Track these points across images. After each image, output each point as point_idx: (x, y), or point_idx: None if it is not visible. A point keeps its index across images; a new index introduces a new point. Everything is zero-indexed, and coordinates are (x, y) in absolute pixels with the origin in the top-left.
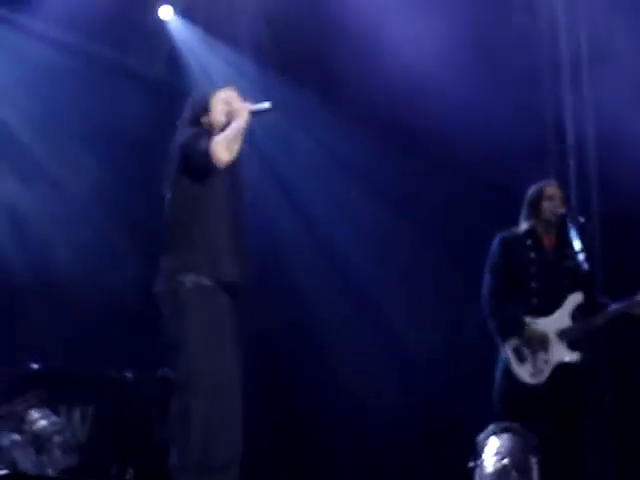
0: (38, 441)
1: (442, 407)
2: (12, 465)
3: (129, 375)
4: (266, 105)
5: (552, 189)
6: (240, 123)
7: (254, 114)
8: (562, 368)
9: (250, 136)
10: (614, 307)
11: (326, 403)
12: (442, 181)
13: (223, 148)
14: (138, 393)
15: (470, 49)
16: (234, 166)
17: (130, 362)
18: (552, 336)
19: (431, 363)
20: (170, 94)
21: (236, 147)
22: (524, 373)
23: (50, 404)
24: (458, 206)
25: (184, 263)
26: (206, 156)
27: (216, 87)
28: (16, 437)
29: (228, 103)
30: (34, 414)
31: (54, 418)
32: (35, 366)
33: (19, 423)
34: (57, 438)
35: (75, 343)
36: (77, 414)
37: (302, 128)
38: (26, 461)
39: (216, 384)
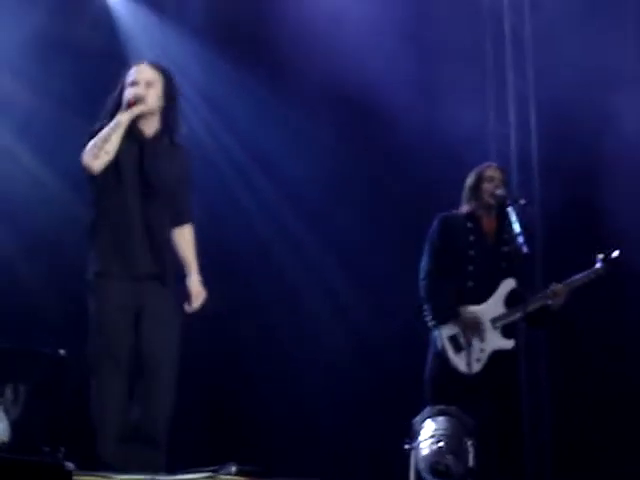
0: None
1: (380, 389)
2: None
3: (62, 352)
4: (134, 96)
5: (491, 171)
6: (112, 123)
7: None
8: (496, 355)
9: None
10: (536, 296)
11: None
12: (379, 161)
13: (90, 156)
14: (72, 371)
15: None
16: (143, 160)
17: (64, 340)
18: (487, 324)
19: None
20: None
21: (109, 149)
22: (460, 362)
23: None
24: (398, 189)
25: (92, 253)
26: (82, 163)
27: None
28: None
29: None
30: None
31: None
32: None
33: None
34: None
35: (7, 319)
36: (9, 391)
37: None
38: None
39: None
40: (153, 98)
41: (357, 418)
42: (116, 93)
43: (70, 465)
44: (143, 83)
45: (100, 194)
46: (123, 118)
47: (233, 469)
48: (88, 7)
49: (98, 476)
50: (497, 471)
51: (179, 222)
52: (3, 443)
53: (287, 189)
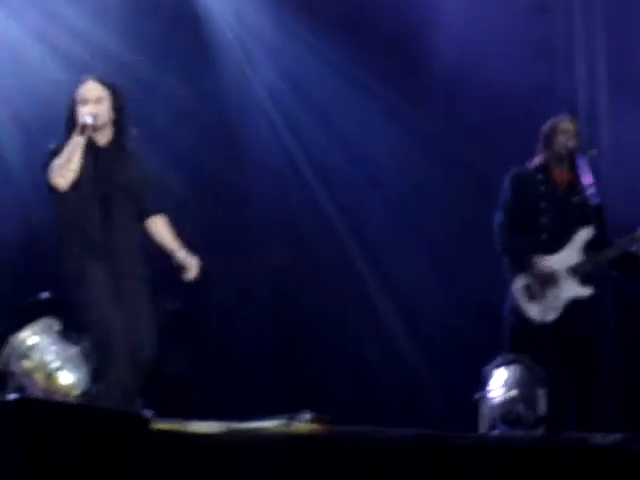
0: (47, 367)
1: (451, 340)
2: (21, 391)
3: None
4: (88, 121)
5: (566, 123)
6: (70, 145)
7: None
8: (573, 304)
9: None
10: (619, 242)
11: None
12: (452, 120)
13: (57, 176)
14: None
15: None
16: (98, 168)
17: None
18: (562, 272)
19: (443, 296)
20: None
21: (73, 167)
22: (534, 311)
23: (61, 332)
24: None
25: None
26: (49, 185)
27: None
28: (27, 363)
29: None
30: (44, 341)
31: (64, 345)
32: (45, 295)
33: (30, 350)
34: (67, 366)
35: None
36: (86, 343)
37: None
38: (35, 388)
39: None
40: (104, 113)
41: (428, 368)
42: (69, 110)
43: (148, 413)
44: (93, 100)
45: (61, 202)
46: (81, 140)
47: (308, 416)
48: None
49: (175, 424)
50: (568, 420)
51: (147, 216)
52: (83, 392)
53: (363, 163)
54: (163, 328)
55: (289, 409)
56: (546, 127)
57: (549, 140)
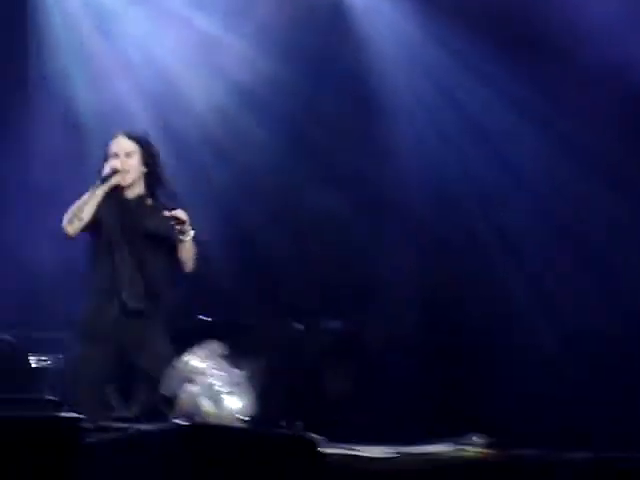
0: (213, 392)
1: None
2: (187, 416)
3: (299, 326)
4: (108, 173)
5: None
6: (86, 195)
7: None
8: None
9: None
10: None
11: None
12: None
13: (66, 221)
14: (308, 345)
15: None
16: (127, 221)
17: (298, 313)
18: None
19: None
20: None
21: (82, 217)
22: None
23: (225, 356)
24: None
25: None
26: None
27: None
28: (193, 388)
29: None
30: (210, 365)
31: (230, 370)
32: (207, 318)
33: (196, 374)
34: (235, 390)
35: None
36: (250, 366)
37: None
38: (200, 413)
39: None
40: (133, 168)
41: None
42: (101, 163)
43: (317, 438)
44: (122, 154)
45: (93, 254)
46: (99, 191)
47: (477, 440)
48: None
49: (343, 449)
50: None
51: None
52: (249, 417)
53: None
54: (324, 349)
55: (451, 431)
56: None
57: None
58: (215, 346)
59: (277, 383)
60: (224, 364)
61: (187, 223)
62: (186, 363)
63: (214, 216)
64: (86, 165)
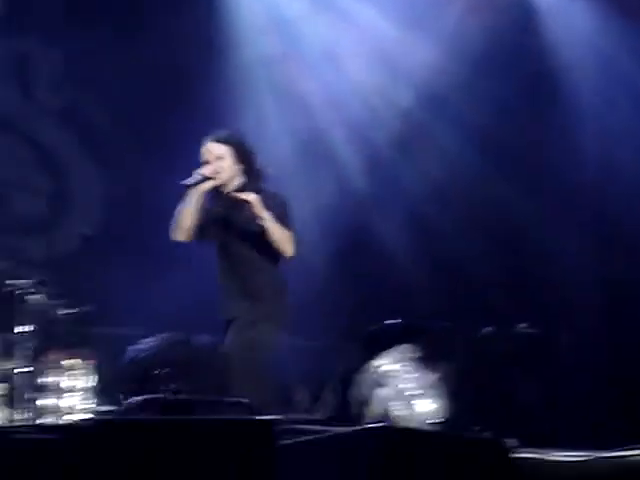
0: (405, 396)
1: None
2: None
3: (488, 329)
4: (193, 180)
5: None
6: (183, 202)
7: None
8: None
9: None
10: None
11: None
12: None
13: (172, 230)
14: (498, 348)
15: None
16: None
17: (489, 317)
18: None
19: None
20: None
21: (183, 225)
22: None
23: (416, 359)
24: None
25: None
26: None
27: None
28: (384, 391)
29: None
30: (403, 368)
31: (422, 373)
32: (398, 321)
33: (387, 377)
34: (428, 393)
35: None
36: (441, 369)
37: None
38: (390, 415)
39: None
40: (226, 169)
41: None
42: None
43: (512, 442)
44: (213, 159)
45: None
46: (192, 197)
47: None
48: None
49: (536, 454)
50: None
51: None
52: (441, 420)
53: None
54: (516, 352)
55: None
56: None
57: None
58: (406, 349)
59: (467, 386)
60: (415, 367)
61: (258, 207)
62: (376, 367)
63: (404, 219)
64: None
